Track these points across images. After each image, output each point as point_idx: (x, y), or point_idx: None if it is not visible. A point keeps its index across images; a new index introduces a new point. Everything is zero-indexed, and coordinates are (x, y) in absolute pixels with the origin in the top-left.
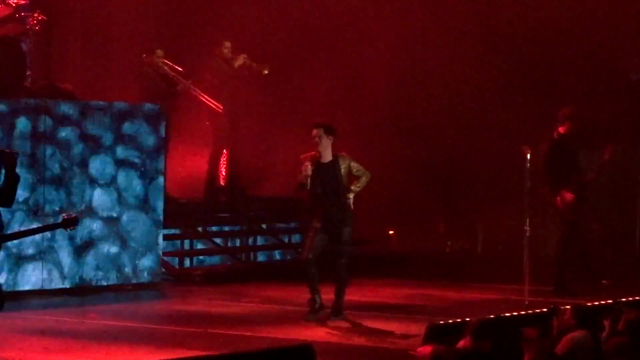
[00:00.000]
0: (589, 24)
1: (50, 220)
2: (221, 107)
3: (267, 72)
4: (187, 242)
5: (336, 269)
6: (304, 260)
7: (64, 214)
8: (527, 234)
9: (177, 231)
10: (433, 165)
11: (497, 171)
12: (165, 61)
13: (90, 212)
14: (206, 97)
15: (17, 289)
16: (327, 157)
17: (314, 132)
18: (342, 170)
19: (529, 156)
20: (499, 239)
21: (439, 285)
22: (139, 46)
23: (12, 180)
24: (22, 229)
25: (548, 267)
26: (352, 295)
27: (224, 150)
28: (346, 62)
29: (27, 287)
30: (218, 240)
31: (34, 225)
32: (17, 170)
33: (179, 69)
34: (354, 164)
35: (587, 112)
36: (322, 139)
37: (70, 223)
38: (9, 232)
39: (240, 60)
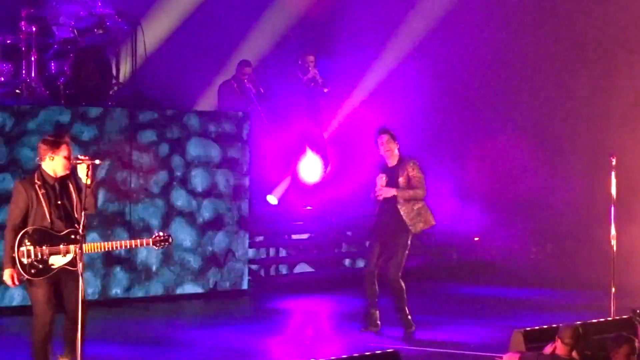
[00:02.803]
0: None
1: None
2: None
3: (327, 90)
4: (272, 250)
5: (388, 280)
6: (364, 274)
7: (156, 233)
8: (614, 241)
9: (262, 238)
10: (517, 170)
11: (583, 177)
12: (251, 77)
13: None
14: (262, 112)
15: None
16: (393, 162)
17: (384, 137)
18: (401, 177)
19: (614, 162)
20: (584, 245)
21: (523, 291)
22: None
23: (93, 187)
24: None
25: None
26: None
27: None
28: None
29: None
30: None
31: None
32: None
33: (260, 89)
34: (413, 174)
35: None
36: (389, 144)
37: (162, 241)
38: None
39: (310, 73)
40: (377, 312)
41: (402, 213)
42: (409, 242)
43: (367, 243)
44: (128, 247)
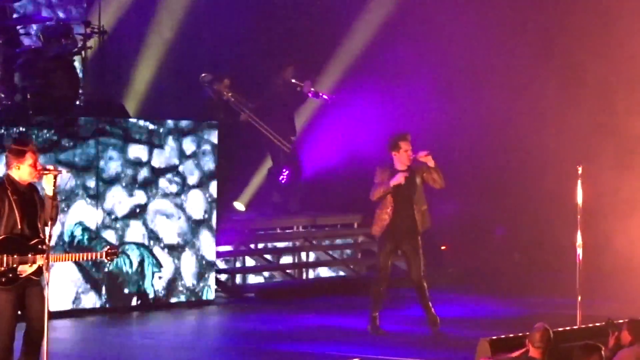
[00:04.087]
0: None
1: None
2: (288, 146)
3: (326, 97)
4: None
5: (414, 282)
6: (381, 277)
7: (107, 246)
8: (580, 250)
9: (231, 248)
10: (487, 180)
11: (551, 186)
12: (231, 91)
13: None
14: (271, 132)
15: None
16: (404, 166)
17: (409, 140)
18: (418, 178)
19: (580, 171)
20: (551, 253)
21: (490, 300)
22: (195, 68)
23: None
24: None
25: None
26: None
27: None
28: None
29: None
30: (270, 257)
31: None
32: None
33: (245, 101)
34: (432, 168)
35: None
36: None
37: (113, 254)
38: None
39: (306, 87)
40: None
41: (416, 216)
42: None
43: (381, 247)
44: (82, 259)
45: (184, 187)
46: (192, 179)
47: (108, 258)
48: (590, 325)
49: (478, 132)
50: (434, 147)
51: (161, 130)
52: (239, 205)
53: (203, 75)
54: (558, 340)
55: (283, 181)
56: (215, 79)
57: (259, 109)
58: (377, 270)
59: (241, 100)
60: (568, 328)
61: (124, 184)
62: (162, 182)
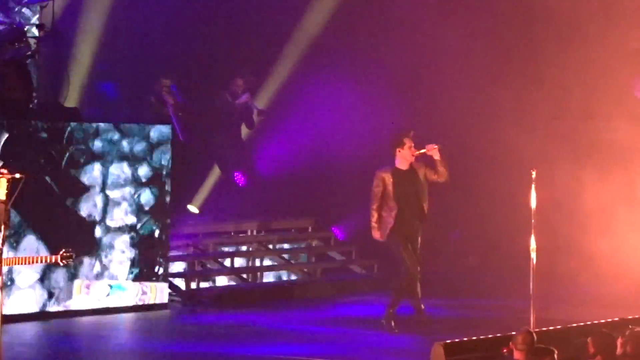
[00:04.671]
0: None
1: None
2: (181, 138)
3: (262, 118)
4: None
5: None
6: (412, 275)
7: (63, 250)
8: (534, 254)
9: (184, 252)
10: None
11: (506, 190)
12: (170, 90)
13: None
14: (177, 125)
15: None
16: (406, 166)
17: (412, 140)
18: (421, 176)
19: (534, 175)
20: (505, 257)
21: (445, 302)
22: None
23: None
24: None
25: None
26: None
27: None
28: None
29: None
30: (225, 262)
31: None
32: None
33: (177, 99)
34: (428, 172)
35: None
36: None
37: (68, 257)
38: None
39: (242, 99)
40: None
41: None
42: None
43: (397, 244)
44: (36, 263)
45: (138, 189)
46: (146, 181)
47: (63, 261)
48: (577, 324)
49: (433, 133)
50: (385, 150)
51: (113, 131)
52: (193, 208)
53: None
54: (540, 341)
55: (240, 184)
56: (158, 83)
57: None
58: (402, 266)
59: (174, 97)
60: (552, 328)
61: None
62: (116, 184)
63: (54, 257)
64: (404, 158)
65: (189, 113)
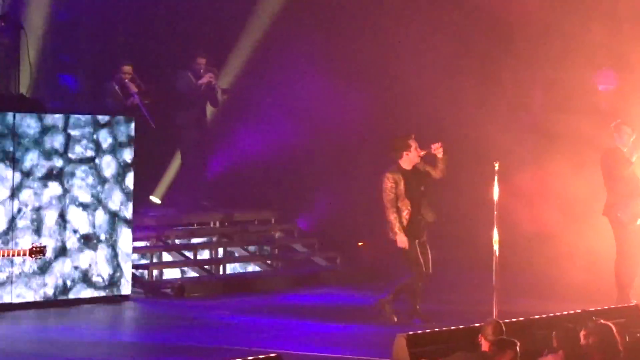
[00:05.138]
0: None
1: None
2: (153, 125)
3: (226, 97)
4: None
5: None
6: (423, 275)
7: (33, 243)
8: (496, 246)
9: (147, 243)
10: None
11: (469, 183)
12: (131, 76)
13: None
14: (146, 113)
15: None
16: (410, 166)
17: (416, 141)
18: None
19: (497, 167)
20: (468, 249)
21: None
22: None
23: None
24: None
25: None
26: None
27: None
28: None
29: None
30: (188, 253)
31: None
32: None
33: (141, 86)
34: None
35: None
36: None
37: (38, 252)
38: None
39: (205, 79)
40: None
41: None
42: None
43: (409, 244)
44: (5, 256)
45: (100, 180)
46: (109, 172)
47: (33, 256)
48: (539, 316)
49: (395, 127)
50: (348, 141)
51: (77, 123)
52: (155, 199)
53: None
54: (509, 332)
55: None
56: (118, 69)
57: (151, 93)
58: (412, 268)
59: (138, 85)
60: (514, 320)
61: (39, 176)
62: (79, 174)
63: (22, 251)
64: (410, 160)
65: (154, 99)
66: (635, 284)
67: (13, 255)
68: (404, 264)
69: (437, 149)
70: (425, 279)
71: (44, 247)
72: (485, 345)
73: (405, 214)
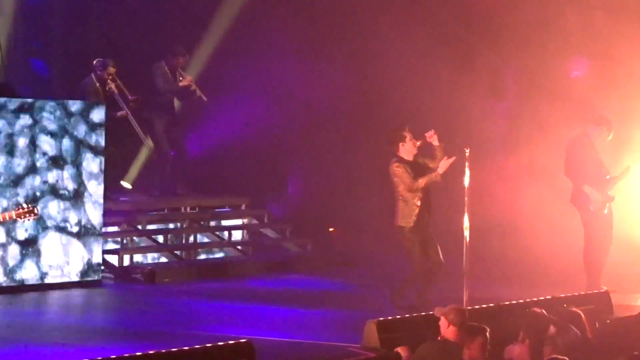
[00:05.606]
0: None
1: None
2: (152, 146)
3: (206, 100)
4: (127, 240)
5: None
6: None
7: (18, 207)
8: (467, 232)
9: (118, 228)
10: (375, 161)
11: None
12: (116, 80)
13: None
14: (139, 129)
15: None
16: (411, 157)
17: (410, 132)
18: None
19: (467, 154)
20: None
21: (378, 282)
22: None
23: None
24: None
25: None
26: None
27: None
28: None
29: None
30: (159, 239)
31: None
32: None
33: (127, 93)
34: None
35: None
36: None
37: (27, 213)
38: None
39: (185, 81)
40: None
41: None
42: None
43: (412, 241)
44: None
45: (70, 165)
46: (78, 157)
47: (20, 218)
48: (509, 303)
49: (366, 112)
50: (320, 128)
51: (46, 108)
52: (126, 184)
53: (96, 60)
54: (473, 320)
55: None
56: (102, 64)
57: (139, 102)
58: (413, 266)
59: (123, 92)
60: (484, 306)
61: (8, 160)
62: (48, 160)
63: (9, 215)
64: (408, 151)
65: (138, 103)
66: (605, 270)
67: (4, 220)
68: (407, 259)
69: (432, 137)
70: (439, 269)
71: (34, 207)
72: (445, 330)
73: (417, 200)
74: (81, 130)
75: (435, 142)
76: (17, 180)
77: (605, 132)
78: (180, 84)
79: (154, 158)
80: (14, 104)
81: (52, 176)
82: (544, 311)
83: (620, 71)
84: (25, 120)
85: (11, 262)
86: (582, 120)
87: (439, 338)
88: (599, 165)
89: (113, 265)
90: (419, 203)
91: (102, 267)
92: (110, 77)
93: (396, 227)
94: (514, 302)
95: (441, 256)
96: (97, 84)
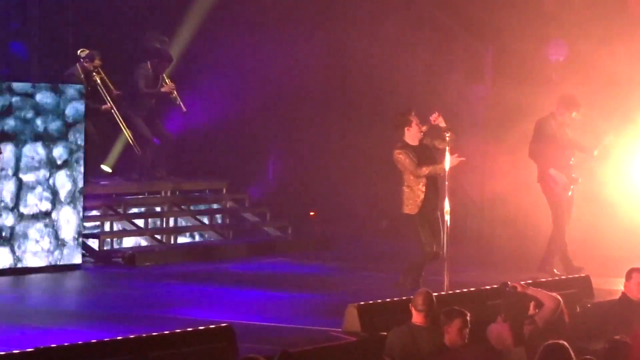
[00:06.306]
0: None
1: None
2: (138, 149)
3: (185, 110)
4: (107, 224)
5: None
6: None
7: None
8: (447, 216)
9: (98, 212)
10: (356, 146)
11: None
12: (101, 73)
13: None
14: (125, 126)
15: None
16: (417, 141)
17: (416, 116)
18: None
19: (448, 138)
20: None
21: (358, 266)
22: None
23: None
24: None
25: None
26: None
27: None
28: None
29: None
30: (139, 222)
31: None
32: None
33: (112, 87)
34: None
35: None
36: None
37: None
38: None
39: (167, 88)
40: None
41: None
42: None
43: (422, 225)
44: None
45: (49, 149)
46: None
47: None
48: (490, 287)
49: (345, 95)
50: (297, 110)
51: (27, 92)
52: (106, 168)
53: (81, 50)
54: (454, 303)
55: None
56: (89, 56)
57: (123, 96)
58: (422, 248)
59: (107, 86)
60: (465, 290)
61: None
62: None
63: None
64: (413, 135)
65: (109, 94)
66: (587, 253)
67: None
68: (416, 242)
69: (437, 119)
70: (435, 257)
71: None
72: (415, 317)
73: (421, 185)
74: None
75: (442, 124)
76: None
77: (571, 111)
78: (162, 89)
79: (138, 149)
80: None
81: None
82: (522, 283)
83: (599, 54)
84: None
85: None
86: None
87: (405, 323)
88: (563, 147)
89: (93, 249)
90: (423, 189)
91: (83, 251)
92: (95, 69)
93: (402, 214)
94: (496, 285)
95: (443, 247)
96: (82, 75)
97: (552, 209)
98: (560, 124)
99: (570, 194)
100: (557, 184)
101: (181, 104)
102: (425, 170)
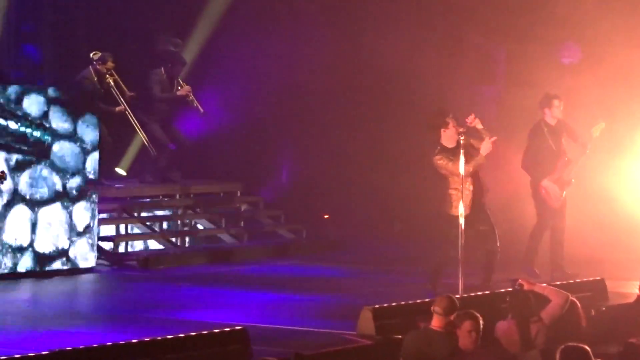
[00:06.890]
0: None
1: None
2: (154, 150)
3: (202, 111)
4: (122, 227)
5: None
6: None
7: None
8: (462, 219)
9: (113, 215)
10: (366, 148)
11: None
12: (114, 75)
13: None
14: (140, 128)
15: None
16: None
17: (453, 118)
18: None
19: (462, 141)
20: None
21: (371, 269)
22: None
23: None
24: None
25: None
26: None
27: None
28: None
29: None
30: (154, 225)
31: None
32: None
33: (125, 89)
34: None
35: None
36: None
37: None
38: None
39: (183, 91)
40: None
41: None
42: None
43: (450, 226)
44: None
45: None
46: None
47: None
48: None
49: (358, 98)
50: (311, 113)
51: (41, 95)
52: (121, 171)
53: (94, 53)
54: (468, 307)
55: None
56: (102, 59)
57: (136, 99)
58: (443, 246)
59: (121, 87)
60: (479, 294)
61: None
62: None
63: None
64: (450, 137)
65: (134, 100)
66: (599, 257)
67: None
68: (440, 239)
69: (473, 121)
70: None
71: (2, 172)
72: (435, 321)
73: (468, 184)
74: None
75: (479, 126)
76: None
77: (551, 106)
78: (178, 93)
79: (153, 150)
80: None
81: None
82: (530, 281)
83: (610, 57)
84: None
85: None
86: (570, 106)
87: (422, 327)
88: (557, 156)
89: (108, 252)
90: (471, 188)
91: (97, 254)
92: (108, 71)
93: (447, 215)
94: (509, 289)
95: (497, 242)
96: (95, 78)
97: (537, 215)
98: (552, 128)
99: (563, 195)
100: (549, 196)
101: (198, 106)
102: (468, 167)
